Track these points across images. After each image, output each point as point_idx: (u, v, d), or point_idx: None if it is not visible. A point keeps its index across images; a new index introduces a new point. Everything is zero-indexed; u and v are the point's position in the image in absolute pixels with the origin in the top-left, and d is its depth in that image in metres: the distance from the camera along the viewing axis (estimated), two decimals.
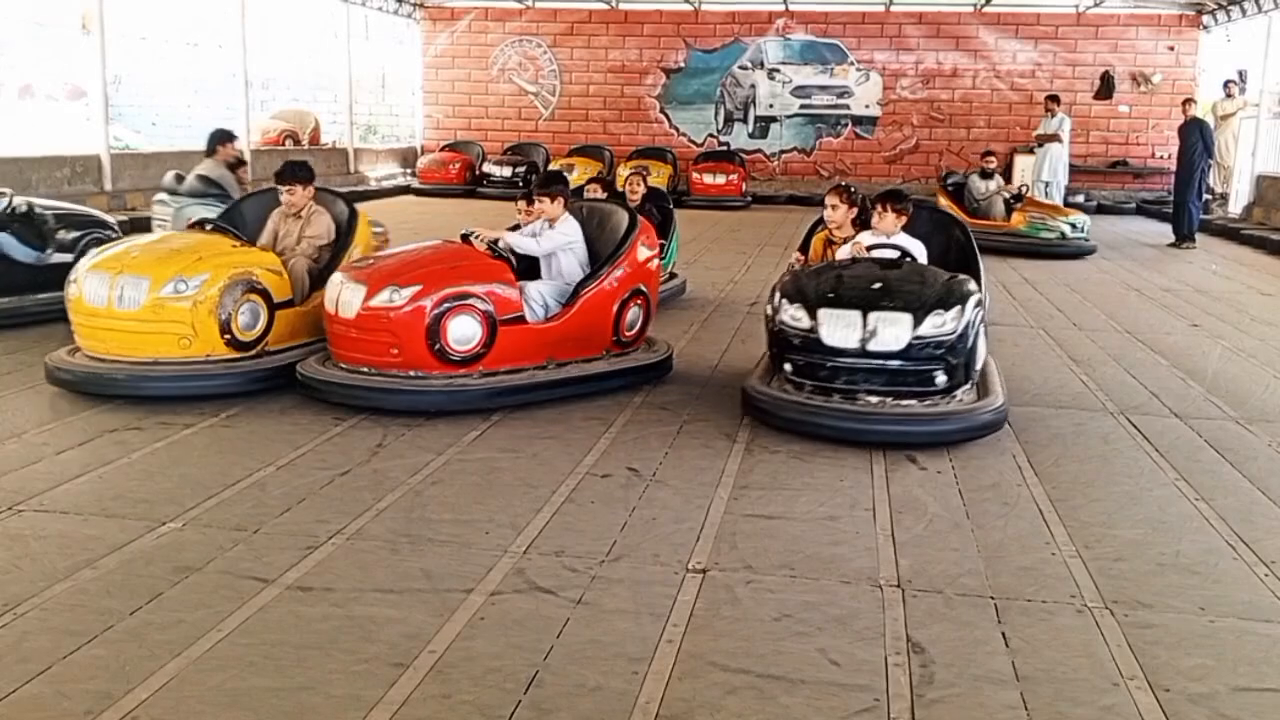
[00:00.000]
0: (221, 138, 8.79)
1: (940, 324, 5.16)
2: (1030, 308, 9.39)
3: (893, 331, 5.13)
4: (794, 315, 5.38)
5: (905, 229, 5.98)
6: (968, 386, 5.39)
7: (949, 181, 14.88)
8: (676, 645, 3.14)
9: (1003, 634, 3.28)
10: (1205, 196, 15.81)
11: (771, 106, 21.62)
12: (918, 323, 5.13)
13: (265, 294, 5.93)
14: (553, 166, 19.25)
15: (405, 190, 20.46)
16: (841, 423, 5.17)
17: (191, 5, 21.04)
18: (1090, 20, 20.42)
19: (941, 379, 5.20)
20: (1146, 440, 5.41)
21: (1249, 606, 3.52)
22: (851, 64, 21.25)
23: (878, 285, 5.35)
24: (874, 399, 5.21)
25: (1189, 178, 14.56)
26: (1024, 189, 14.43)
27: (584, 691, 2.88)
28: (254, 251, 6.18)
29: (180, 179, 8.57)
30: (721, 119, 21.86)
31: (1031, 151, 19.66)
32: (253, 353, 5.89)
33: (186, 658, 3.00)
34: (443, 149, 21.43)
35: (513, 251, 6.11)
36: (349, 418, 5.41)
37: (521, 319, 5.76)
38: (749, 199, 19.64)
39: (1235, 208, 17.78)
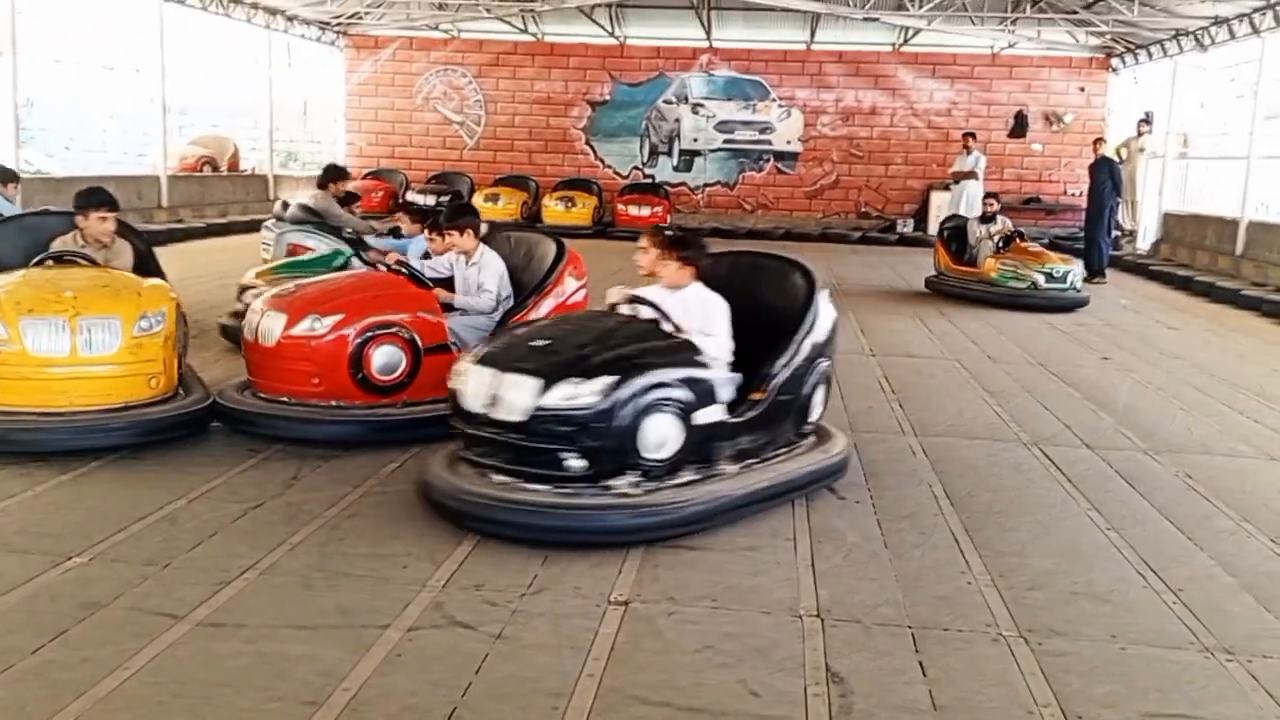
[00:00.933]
0: (335, 175, 9.76)
1: (571, 396, 4.12)
2: (945, 340, 9.56)
3: (515, 397, 4.20)
4: (458, 369, 4.57)
5: (729, 277, 5.18)
6: (632, 478, 4.24)
7: (948, 225, 13.38)
8: (597, 679, 3.11)
9: (920, 663, 3.31)
10: (1115, 233, 16.30)
11: (696, 140, 21.85)
12: (544, 390, 4.16)
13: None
14: (477, 197, 19.21)
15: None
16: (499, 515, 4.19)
17: (108, 29, 20.66)
18: (1005, 61, 21.00)
19: (574, 463, 4.17)
20: (1059, 470, 5.53)
21: (1158, 634, 3.60)
22: (773, 100, 21.58)
23: (544, 342, 4.47)
24: (498, 478, 4.29)
25: (1099, 215, 15.01)
26: (1018, 234, 12.51)
27: None
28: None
29: (285, 206, 9.41)
30: (646, 152, 22.03)
31: (947, 188, 20.15)
32: None
33: (91, 697, 2.90)
34: (365, 177, 21.25)
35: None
36: (264, 449, 5.30)
37: (446, 348, 5.70)
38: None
39: (1144, 244, 18.36)
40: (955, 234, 13.07)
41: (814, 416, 5.07)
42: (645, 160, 22.04)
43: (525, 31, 21.58)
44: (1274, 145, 15.76)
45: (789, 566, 4.07)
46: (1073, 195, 20.66)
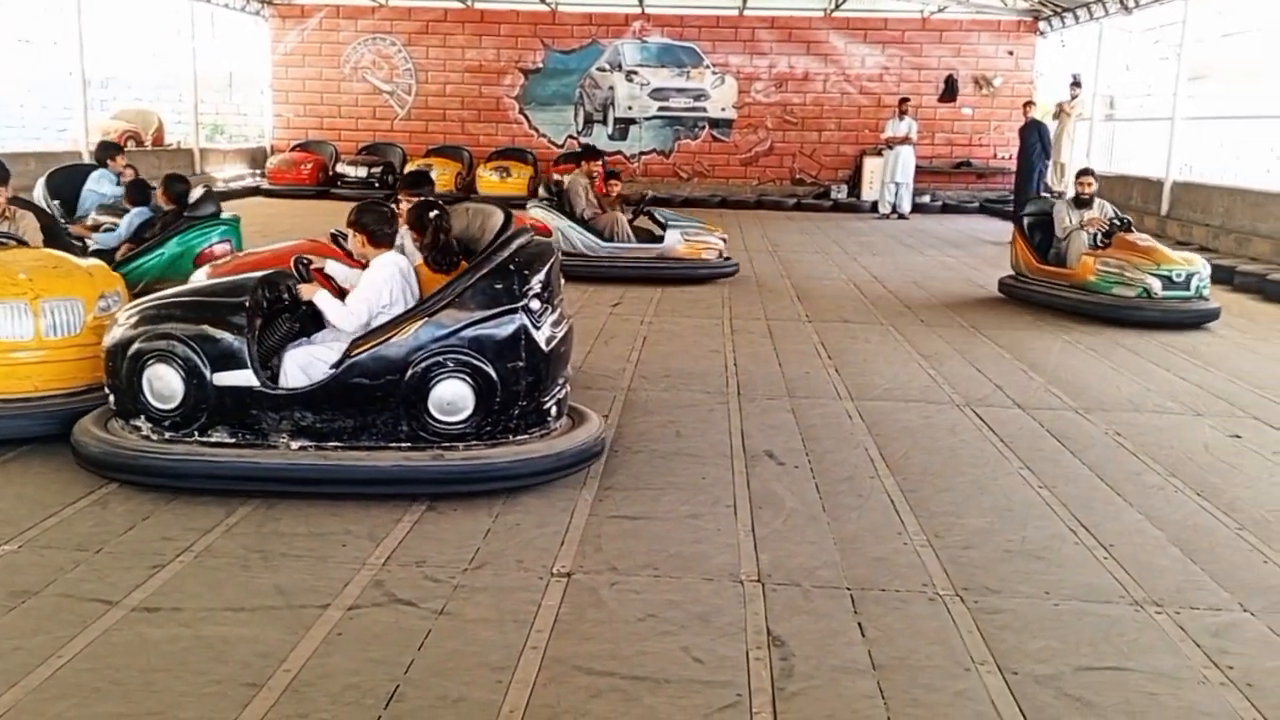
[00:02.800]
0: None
1: (110, 334, 4.55)
2: (879, 305, 9.66)
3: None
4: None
5: (467, 231, 5.02)
6: (149, 424, 4.41)
7: (1028, 211, 10.35)
8: (541, 651, 3.12)
9: (859, 624, 3.36)
10: (1044, 195, 16.54)
11: (630, 108, 21.73)
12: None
13: None
14: (410, 167, 18.95)
15: (255, 191, 19.87)
16: None
17: (24, 0, 20.01)
18: (935, 25, 21.13)
19: (110, 397, 4.55)
20: (992, 431, 5.62)
21: (1090, 589, 3.68)
22: (707, 67, 21.52)
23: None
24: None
25: (1029, 177, 15.25)
26: (1122, 222, 9.63)
27: (446, 704, 2.83)
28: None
29: None
30: (581, 120, 21.87)
31: (879, 154, 20.31)
32: None
33: (25, 687, 2.85)
34: (294, 149, 20.89)
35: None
36: None
37: None
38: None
39: None
40: (1039, 222, 10.04)
41: (448, 416, 4.41)
42: (580, 129, 21.88)
43: None
44: (1197, 107, 16.06)
45: (730, 533, 4.10)
46: (1003, 158, 20.90)
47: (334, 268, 4.97)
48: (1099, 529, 4.24)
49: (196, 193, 8.03)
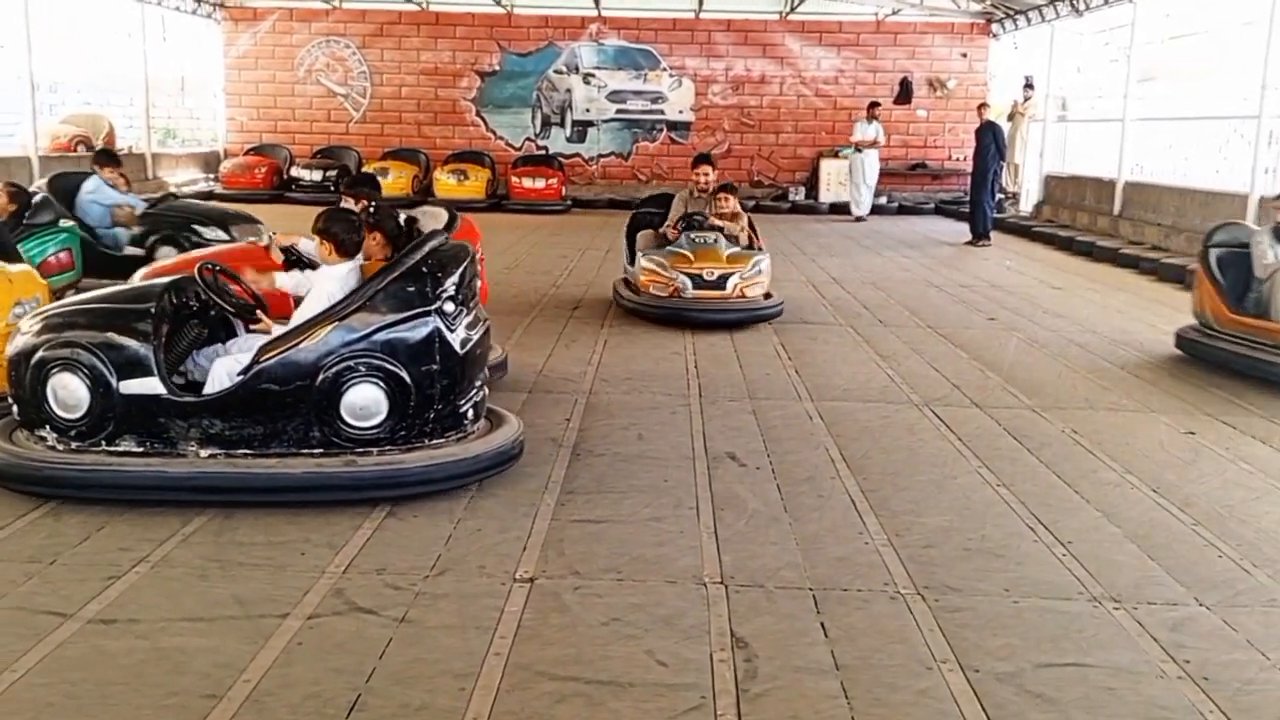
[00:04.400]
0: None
1: (13, 343, 4.50)
2: (838, 306, 9.71)
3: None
4: None
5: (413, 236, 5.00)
6: (54, 434, 4.34)
7: (1215, 241, 7.55)
8: (504, 657, 3.10)
9: (822, 624, 3.37)
10: (999, 196, 16.74)
11: (588, 111, 21.72)
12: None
13: None
14: (367, 170, 18.82)
15: (208, 196, 19.60)
16: None
17: None
18: (889, 28, 21.30)
19: (15, 409, 4.48)
20: (950, 430, 5.67)
21: (1049, 586, 3.72)
22: (664, 70, 21.56)
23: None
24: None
25: (983, 178, 15.39)
26: None
27: (409, 712, 2.81)
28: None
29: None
30: (539, 123, 21.83)
31: (837, 155, 20.46)
32: None
33: None
34: (247, 153, 20.71)
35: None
36: None
37: None
38: (569, 203, 19.70)
39: (1026, 206, 18.89)
40: (1233, 257, 7.43)
41: (361, 421, 4.33)
42: (538, 131, 21.84)
43: (409, 1, 21.16)
44: (1147, 108, 16.29)
45: (692, 535, 4.10)
46: (957, 160, 21.11)
47: (283, 279, 4.91)
48: (1057, 526, 4.28)
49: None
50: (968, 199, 16.58)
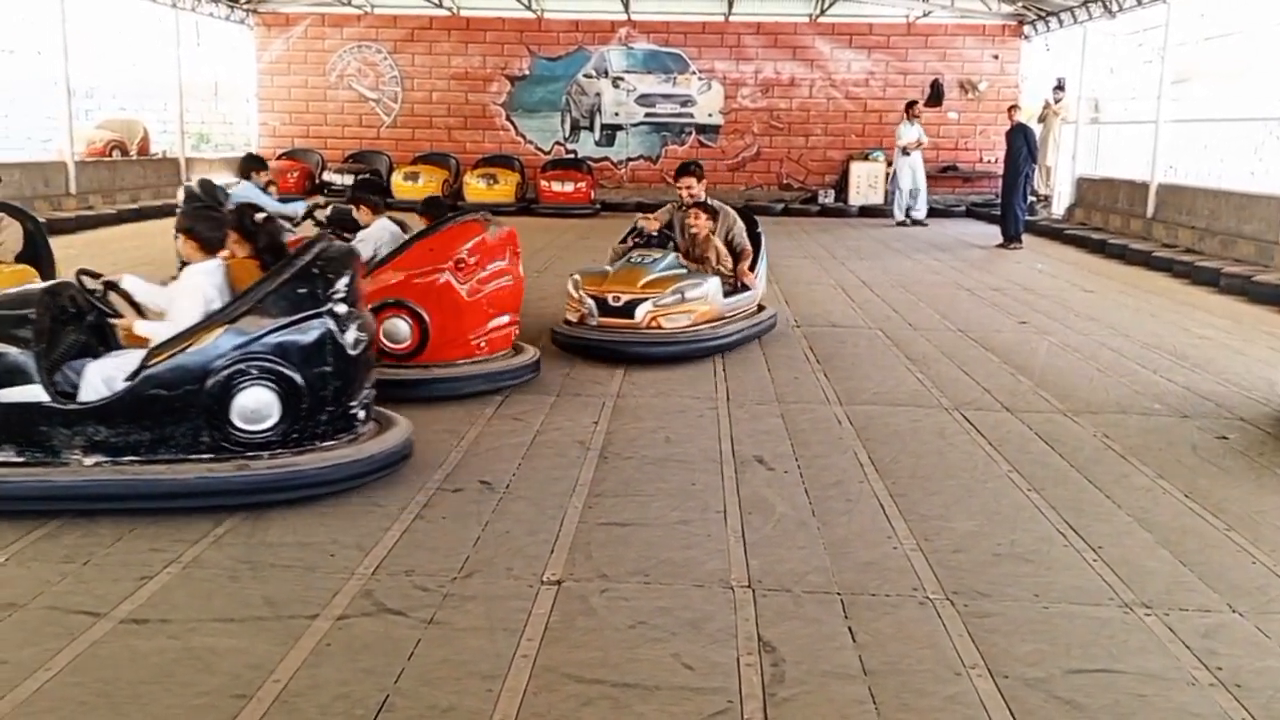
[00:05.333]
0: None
1: None
2: (867, 309, 9.68)
3: None
4: None
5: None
6: None
7: None
8: (531, 660, 3.11)
9: (849, 629, 3.36)
10: (1030, 198, 16.61)
11: (617, 115, 21.77)
12: None
13: None
14: (397, 176, 18.89)
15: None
16: None
17: (7, 10, 19.92)
18: (920, 30, 21.21)
19: None
20: (980, 434, 5.63)
21: (1079, 591, 3.69)
22: (693, 73, 21.57)
23: None
24: None
25: (1015, 181, 15.29)
26: None
27: (436, 713, 2.82)
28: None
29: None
30: (568, 127, 21.90)
31: (866, 158, 20.40)
32: None
33: (12, 700, 2.83)
34: (280, 157, 20.87)
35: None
36: None
37: None
38: (598, 206, 19.74)
39: (1058, 209, 18.75)
40: None
41: (252, 425, 4.29)
42: (567, 135, 21.91)
43: (440, 6, 21.27)
44: (1181, 109, 16.13)
45: (719, 539, 4.10)
46: (989, 162, 20.99)
47: (130, 282, 4.76)
48: (1088, 531, 4.24)
49: None
50: (999, 201, 16.47)
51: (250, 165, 9.76)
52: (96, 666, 3.03)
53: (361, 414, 4.64)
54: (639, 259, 7.52)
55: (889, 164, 20.42)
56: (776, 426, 5.71)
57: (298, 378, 4.31)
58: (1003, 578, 3.79)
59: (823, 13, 21.05)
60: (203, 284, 4.48)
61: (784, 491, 4.66)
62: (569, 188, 19.41)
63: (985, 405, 6.25)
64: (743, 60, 21.47)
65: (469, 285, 6.24)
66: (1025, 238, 15.56)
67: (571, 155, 21.53)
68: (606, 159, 21.76)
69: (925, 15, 20.86)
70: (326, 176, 19.92)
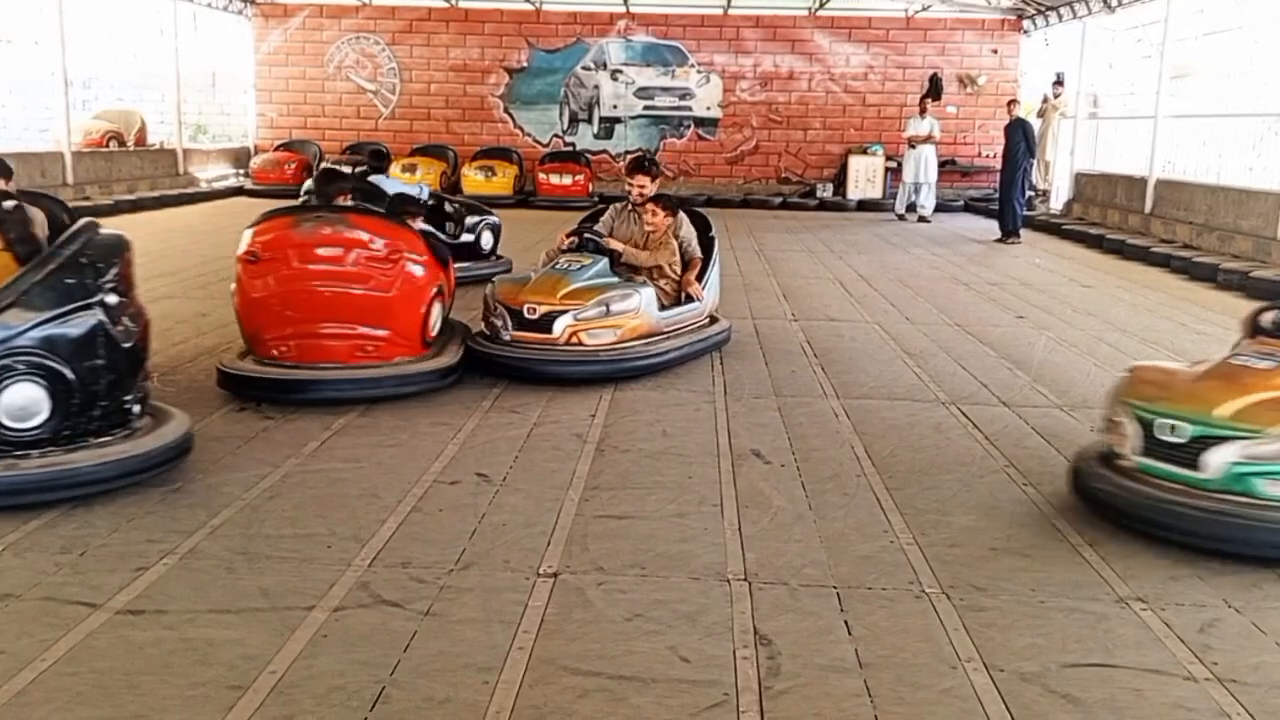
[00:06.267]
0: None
1: None
2: (865, 303, 9.68)
3: None
4: None
5: None
6: None
7: None
8: (528, 652, 3.11)
9: (845, 622, 3.36)
10: (1028, 193, 16.61)
11: (615, 107, 21.73)
12: None
13: None
14: (395, 167, 18.84)
15: (239, 191, 19.82)
16: None
17: (4, 1, 19.87)
18: (919, 24, 21.19)
19: None
20: (977, 429, 5.63)
21: (1075, 586, 3.69)
22: (692, 66, 21.54)
23: None
24: None
25: (1013, 176, 15.28)
26: None
27: (433, 705, 2.82)
28: None
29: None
30: (566, 119, 21.86)
31: (865, 152, 20.38)
32: None
33: (8, 691, 2.83)
34: (277, 148, 20.84)
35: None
36: None
37: None
38: (596, 199, 19.69)
39: (1056, 204, 18.75)
40: None
41: (20, 422, 4.14)
42: (565, 128, 21.88)
43: None
44: (1180, 105, 16.14)
45: (716, 532, 4.10)
46: (987, 157, 20.98)
47: None
48: (1084, 526, 4.24)
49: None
50: (997, 196, 16.46)
51: (376, 158, 10.65)
52: (92, 657, 3.03)
53: (137, 408, 4.50)
54: (564, 265, 6.70)
55: (888, 159, 20.42)
56: (774, 420, 5.71)
57: (68, 372, 4.15)
58: (999, 572, 3.79)
59: (822, 6, 21.01)
60: None
61: (781, 485, 4.66)
62: (567, 180, 19.39)
63: (982, 400, 6.25)
64: (742, 53, 21.44)
65: (263, 282, 5.85)
66: (1023, 233, 15.56)
67: (570, 148, 21.50)
68: (605, 152, 21.73)
69: (924, 9, 20.83)
70: (324, 168, 19.87)
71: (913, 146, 18.36)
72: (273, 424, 5.39)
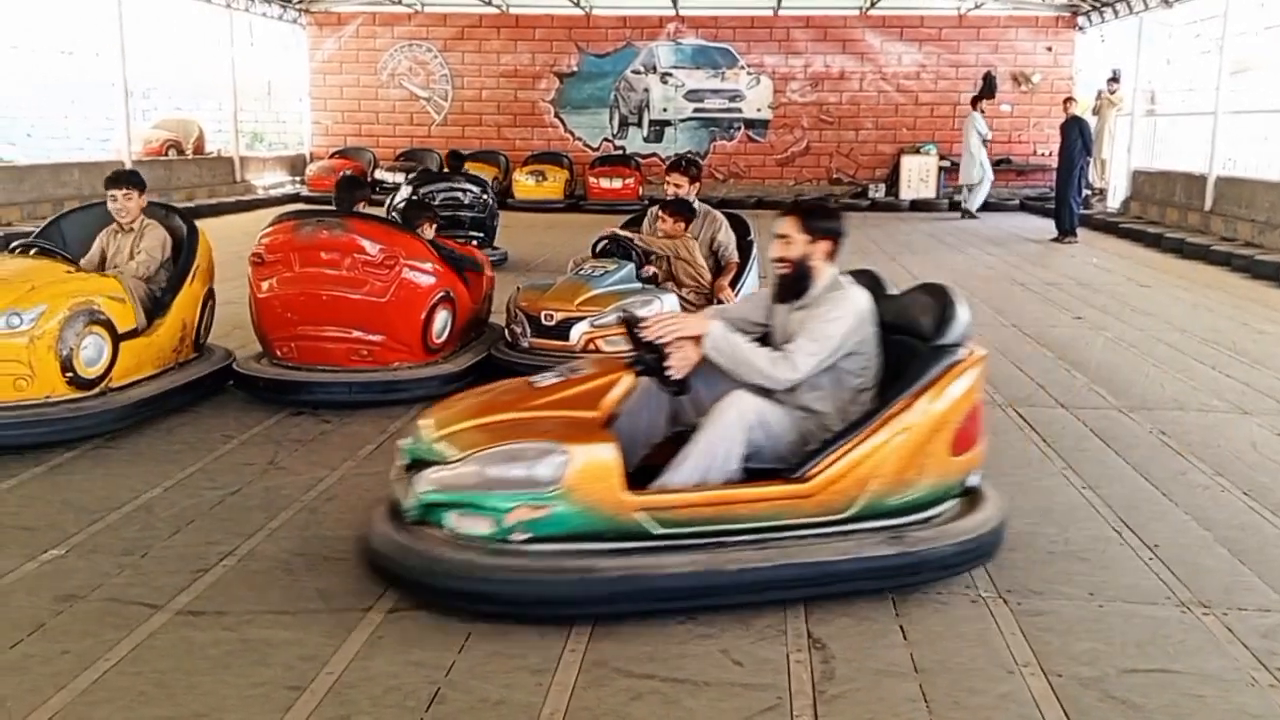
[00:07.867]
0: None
1: None
2: None
3: None
4: None
5: None
6: None
7: None
8: (581, 654, 3.12)
9: (900, 627, 3.33)
10: (1085, 192, 16.36)
11: (665, 110, 21.74)
12: None
13: (109, 325, 5.31)
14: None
15: (294, 198, 20.07)
16: None
17: (66, 12, 20.33)
18: (972, 22, 20.98)
19: None
20: (1034, 431, 5.56)
21: (1135, 590, 3.63)
22: (742, 68, 21.50)
23: None
24: None
25: (1070, 174, 15.06)
26: None
27: (487, 706, 2.84)
28: (93, 277, 5.54)
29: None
30: (616, 123, 21.92)
31: (918, 151, 20.21)
32: (95, 391, 5.26)
33: (73, 690, 2.89)
34: (332, 156, 21.10)
35: None
36: (239, 434, 5.28)
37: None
38: (646, 202, 19.66)
39: (1114, 203, 18.46)
40: None
41: None
42: (615, 132, 21.93)
43: (490, 4, 21.37)
44: (1240, 100, 15.83)
45: None
46: (1042, 155, 20.71)
47: None
48: (1144, 529, 4.18)
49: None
50: (1053, 195, 16.24)
51: (456, 161, 12.66)
52: (154, 657, 3.08)
53: None
54: (588, 271, 6.55)
55: (941, 158, 20.23)
56: None
57: None
58: (1057, 576, 3.74)
59: (873, 5, 20.87)
60: None
61: None
62: (617, 184, 19.42)
63: (1040, 401, 6.17)
64: (792, 54, 21.36)
65: (268, 284, 5.95)
66: (1080, 232, 15.33)
67: (620, 151, 21.54)
68: (655, 155, 21.74)
69: (977, 7, 20.61)
70: (378, 175, 20.08)
71: (985, 144, 18.23)
72: (330, 427, 5.46)
